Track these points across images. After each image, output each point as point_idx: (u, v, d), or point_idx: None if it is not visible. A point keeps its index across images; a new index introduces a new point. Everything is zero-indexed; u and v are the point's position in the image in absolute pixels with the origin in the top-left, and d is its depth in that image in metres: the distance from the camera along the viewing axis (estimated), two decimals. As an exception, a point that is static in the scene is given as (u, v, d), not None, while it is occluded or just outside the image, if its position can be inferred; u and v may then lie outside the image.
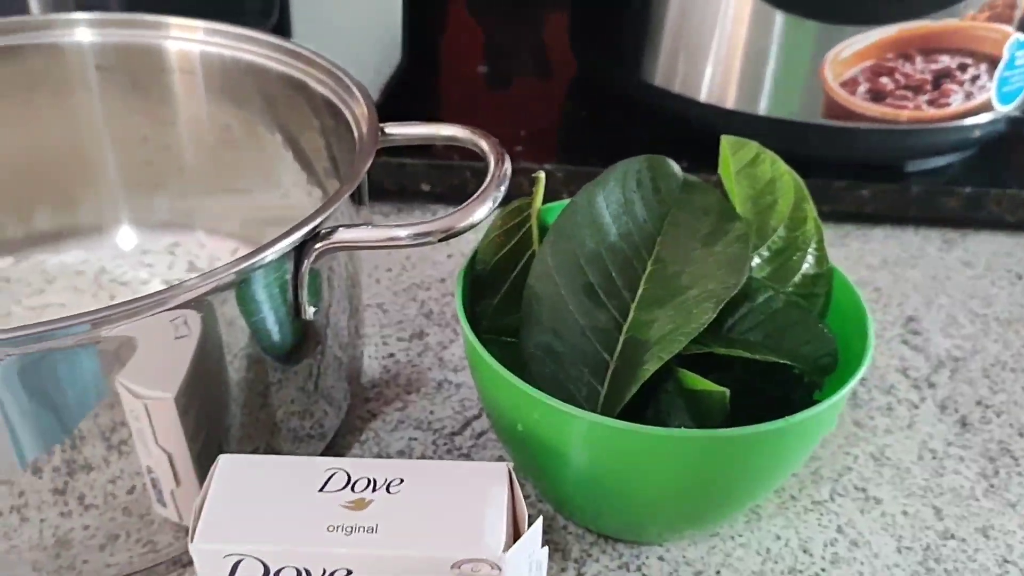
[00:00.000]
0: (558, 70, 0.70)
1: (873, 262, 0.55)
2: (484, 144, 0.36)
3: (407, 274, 0.52)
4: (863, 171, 0.57)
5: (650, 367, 0.31)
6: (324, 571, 0.26)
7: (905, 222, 0.59)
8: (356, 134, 0.37)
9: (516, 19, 0.78)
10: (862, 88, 0.52)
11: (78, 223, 0.48)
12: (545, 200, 0.38)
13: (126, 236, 0.49)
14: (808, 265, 0.36)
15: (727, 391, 0.30)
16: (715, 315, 0.31)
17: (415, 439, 0.41)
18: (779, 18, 0.52)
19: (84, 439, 0.30)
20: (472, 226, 0.32)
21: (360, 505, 0.27)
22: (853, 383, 0.31)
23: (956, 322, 0.50)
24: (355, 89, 0.38)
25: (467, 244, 0.55)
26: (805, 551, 0.37)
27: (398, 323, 0.49)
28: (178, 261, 0.48)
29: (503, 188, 0.34)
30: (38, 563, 0.32)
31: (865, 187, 0.56)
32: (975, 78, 0.51)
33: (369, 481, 0.28)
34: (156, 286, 0.47)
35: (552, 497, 0.37)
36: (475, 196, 0.33)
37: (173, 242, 0.49)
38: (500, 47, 0.74)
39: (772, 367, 0.34)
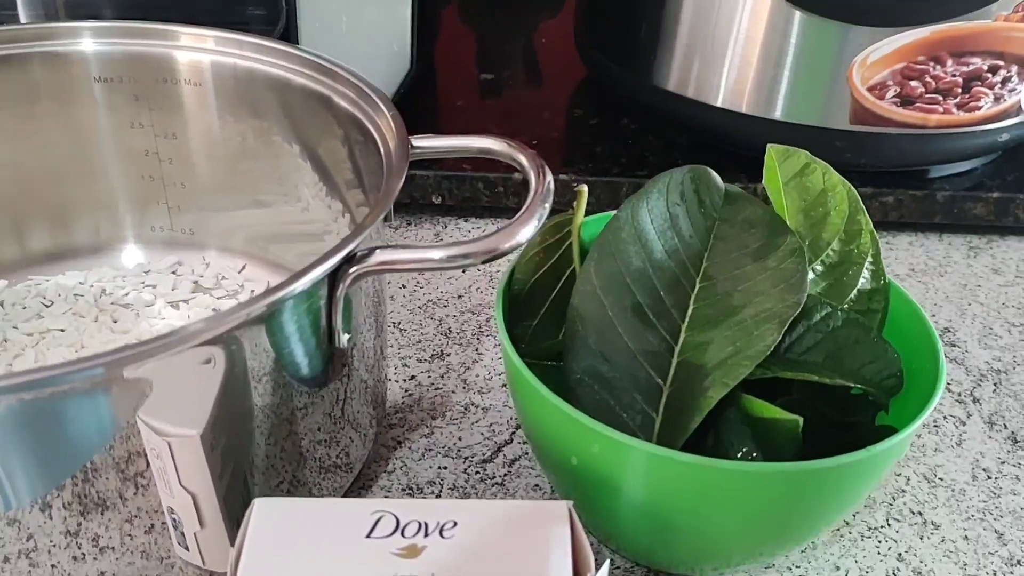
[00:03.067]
0: (562, 77, 0.68)
1: (900, 271, 0.54)
2: (522, 158, 0.34)
3: (422, 290, 0.50)
4: (887, 177, 0.55)
5: (714, 394, 0.29)
6: (377, 627, 0.24)
7: (929, 229, 0.57)
8: (382, 148, 0.35)
9: (511, 24, 0.76)
10: (891, 92, 0.50)
11: (76, 242, 0.46)
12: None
13: (127, 255, 0.47)
14: (864, 280, 0.34)
15: (800, 419, 0.28)
16: (780, 337, 0.29)
17: (445, 467, 0.39)
18: (800, 20, 0.50)
19: (98, 473, 0.28)
20: (517, 247, 0.30)
21: (412, 552, 0.25)
22: (933, 405, 0.29)
23: (992, 332, 0.49)
24: (379, 101, 0.36)
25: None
26: (867, 582, 0.35)
27: (417, 343, 0.46)
28: (182, 281, 0.46)
29: (547, 204, 0.32)
30: (51, 615, 0.30)
31: (889, 193, 0.55)
32: (1006, 80, 0.50)
33: (420, 525, 0.26)
34: (160, 307, 0.44)
35: (600, 529, 0.35)
36: (519, 215, 0.31)
37: (176, 261, 0.47)
38: (499, 54, 0.71)
39: (830, 389, 0.32)
